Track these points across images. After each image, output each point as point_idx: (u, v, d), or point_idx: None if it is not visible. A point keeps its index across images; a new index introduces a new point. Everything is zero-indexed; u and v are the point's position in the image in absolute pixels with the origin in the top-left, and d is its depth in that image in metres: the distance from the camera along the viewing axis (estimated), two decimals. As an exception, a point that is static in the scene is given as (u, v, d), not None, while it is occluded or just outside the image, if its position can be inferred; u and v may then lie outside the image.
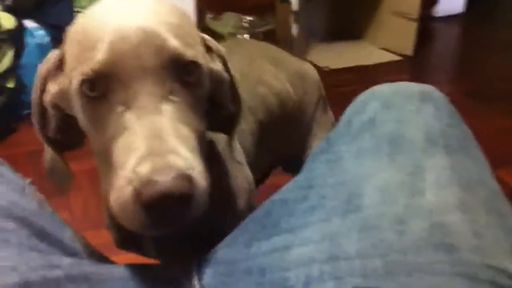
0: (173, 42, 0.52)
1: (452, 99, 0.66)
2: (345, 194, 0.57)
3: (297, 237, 0.56)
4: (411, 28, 2.84)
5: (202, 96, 0.57)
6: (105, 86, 0.51)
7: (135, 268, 0.60)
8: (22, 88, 2.21)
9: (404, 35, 2.89)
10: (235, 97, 0.66)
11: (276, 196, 0.66)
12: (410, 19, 2.82)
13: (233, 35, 2.66)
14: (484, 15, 3.82)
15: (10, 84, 2.16)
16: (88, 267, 0.58)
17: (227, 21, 2.73)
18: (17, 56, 2.20)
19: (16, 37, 2.20)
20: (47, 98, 0.60)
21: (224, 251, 0.63)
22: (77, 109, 0.55)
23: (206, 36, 0.62)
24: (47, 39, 2.33)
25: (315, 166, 0.65)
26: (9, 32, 2.15)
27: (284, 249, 0.56)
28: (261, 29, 2.70)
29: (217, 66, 0.62)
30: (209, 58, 0.61)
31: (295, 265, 0.54)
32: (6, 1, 2.28)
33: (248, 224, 0.65)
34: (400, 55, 2.90)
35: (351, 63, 2.81)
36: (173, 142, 0.48)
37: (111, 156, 0.51)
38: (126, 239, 0.73)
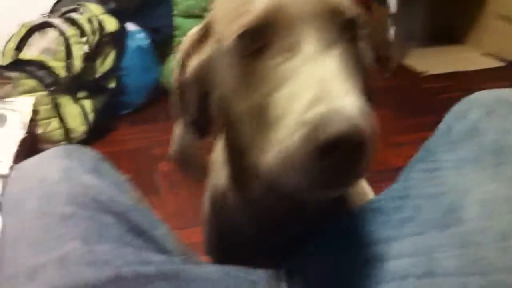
0: None
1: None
2: (443, 206, 0.55)
3: (392, 249, 0.54)
4: (517, 33, 2.70)
5: (357, 57, 0.53)
6: (263, 39, 0.49)
7: (224, 269, 0.61)
8: (122, 89, 2.31)
9: (509, 40, 2.76)
10: (369, 85, 0.60)
11: (371, 205, 0.64)
12: (516, 23, 2.69)
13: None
14: None
15: (112, 85, 2.25)
16: (179, 265, 0.58)
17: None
18: (119, 58, 2.30)
19: (117, 39, 2.30)
20: (189, 73, 0.60)
21: (315, 258, 0.62)
22: (226, 72, 0.53)
23: None
24: (147, 41, 2.42)
25: (411, 176, 0.63)
26: (111, 34, 2.25)
27: (379, 261, 0.54)
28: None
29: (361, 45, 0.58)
30: None
31: (390, 278, 0.52)
32: (110, 4, 2.38)
33: (342, 232, 0.63)
34: (504, 61, 2.76)
35: (451, 68, 2.71)
36: (345, 87, 0.43)
37: (266, 114, 0.47)
38: (218, 244, 0.73)
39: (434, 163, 0.61)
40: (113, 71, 2.26)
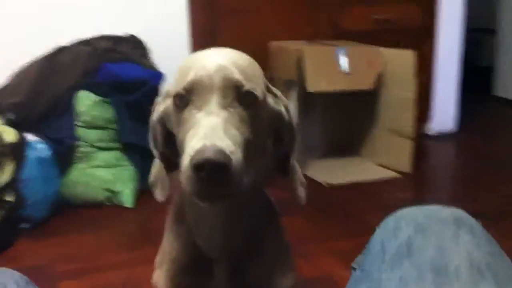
0: (236, 75, 0.74)
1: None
2: None
3: None
4: (407, 146, 2.88)
5: (257, 117, 0.77)
6: (188, 98, 0.74)
7: None
8: (21, 202, 2.20)
9: (400, 152, 2.93)
10: (292, 136, 0.86)
11: None
12: (406, 137, 2.87)
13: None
14: (476, 131, 3.89)
15: (10, 198, 2.15)
16: None
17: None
18: (18, 169, 2.21)
19: (17, 150, 2.23)
20: (155, 117, 0.85)
21: None
22: (171, 117, 0.79)
23: (274, 88, 0.86)
24: (48, 152, 2.36)
25: None
26: (10, 145, 2.17)
27: None
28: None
29: (280, 108, 0.84)
30: (273, 100, 0.84)
31: None
32: (8, 115, 2.33)
33: None
34: (398, 172, 2.92)
35: (350, 179, 2.82)
36: (222, 133, 0.68)
37: (184, 145, 0.72)
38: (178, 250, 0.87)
39: (375, 282, 0.62)
40: (12, 184, 2.16)
